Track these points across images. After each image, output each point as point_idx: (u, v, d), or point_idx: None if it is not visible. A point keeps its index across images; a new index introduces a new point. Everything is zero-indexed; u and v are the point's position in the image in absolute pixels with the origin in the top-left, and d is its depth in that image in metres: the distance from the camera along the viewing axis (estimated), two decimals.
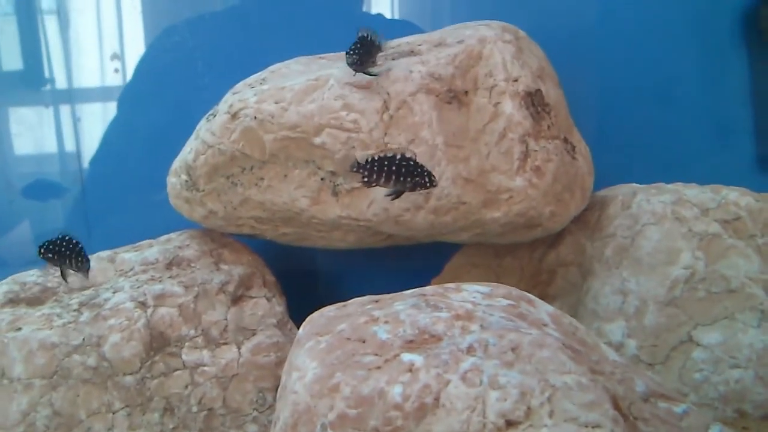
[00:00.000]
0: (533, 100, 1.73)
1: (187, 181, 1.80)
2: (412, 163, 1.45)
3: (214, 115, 1.78)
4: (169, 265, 1.83)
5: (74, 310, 1.70)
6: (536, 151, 1.68)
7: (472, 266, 2.01)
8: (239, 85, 1.85)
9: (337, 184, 1.68)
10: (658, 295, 1.65)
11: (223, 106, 1.75)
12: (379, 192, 1.63)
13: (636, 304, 1.67)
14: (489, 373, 1.02)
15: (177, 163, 1.85)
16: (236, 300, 1.80)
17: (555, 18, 2.22)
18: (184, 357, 1.67)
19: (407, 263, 2.25)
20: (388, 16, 2.30)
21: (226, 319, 1.74)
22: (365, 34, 1.60)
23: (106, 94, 2.37)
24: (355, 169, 1.45)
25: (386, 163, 1.44)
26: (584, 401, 0.99)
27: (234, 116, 1.70)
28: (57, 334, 1.64)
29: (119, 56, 2.27)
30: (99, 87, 2.36)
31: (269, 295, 1.85)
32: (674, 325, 1.61)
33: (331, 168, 1.67)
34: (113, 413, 1.61)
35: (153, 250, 1.87)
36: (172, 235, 1.97)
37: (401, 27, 2.27)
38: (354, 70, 1.58)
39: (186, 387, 1.65)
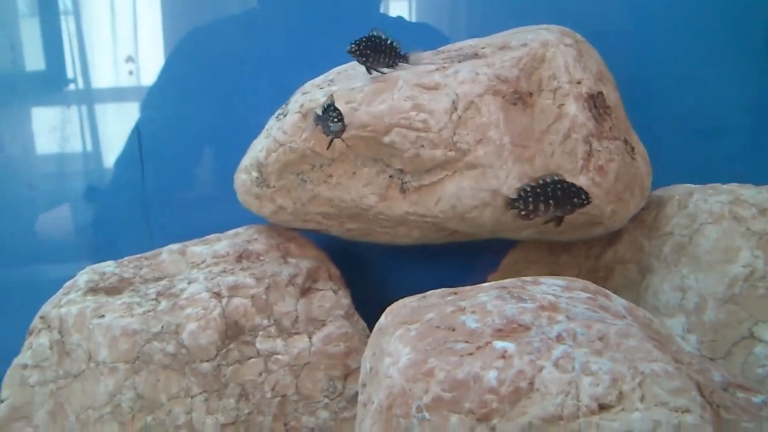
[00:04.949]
0: (595, 102, 1.78)
1: (257, 177, 1.88)
2: (565, 185, 1.49)
3: (285, 115, 1.85)
4: (239, 258, 1.91)
5: (152, 299, 1.79)
6: (599, 151, 1.74)
7: (528, 263, 2.07)
8: (307, 86, 1.92)
9: (405, 182, 1.75)
10: (717, 292, 1.70)
11: (293, 106, 1.82)
12: (448, 189, 1.70)
13: (695, 300, 1.72)
14: (580, 360, 1.08)
15: (247, 161, 1.92)
16: (304, 292, 1.88)
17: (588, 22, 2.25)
18: (258, 345, 1.75)
19: (457, 260, 2.32)
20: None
21: (296, 310, 1.82)
22: (376, 34, 1.69)
23: (122, 94, 2.42)
24: (511, 207, 1.51)
25: (539, 191, 1.49)
26: (672, 387, 1.05)
27: (305, 116, 1.77)
28: (138, 322, 1.72)
29: (134, 59, 2.35)
30: (115, 88, 2.42)
31: (335, 287, 1.92)
32: (734, 322, 1.65)
33: (399, 166, 1.74)
34: (191, 398, 1.69)
35: (222, 243, 1.95)
36: (240, 229, 2.04)
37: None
38: (356, 60, 1.70)
39: (260, 374, 1.73)
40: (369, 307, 2.00)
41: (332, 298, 1.88)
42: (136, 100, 2.42)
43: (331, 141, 1.67)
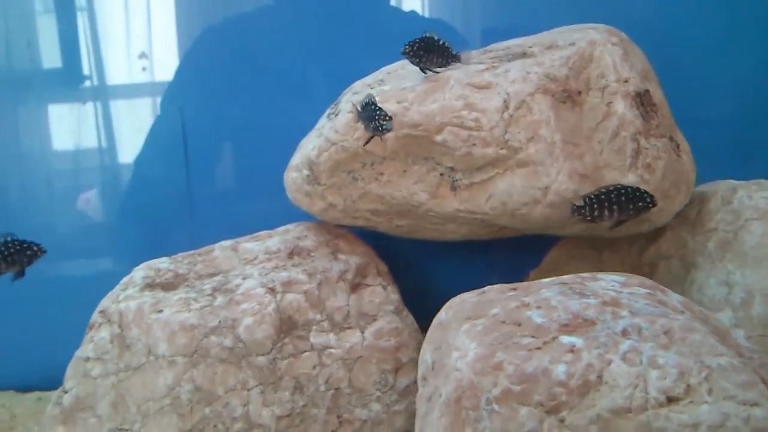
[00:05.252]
0: (642, 100, 1.81)
1: (308, 175, 1.92)
2: (629, 189, 1.57)
3: (336, 114, 1.89)
4: (290, 255, 1.95)
5: (208, 295, 1.84)
6: (647, 149, 1.76)
7: (570, 259, 2.10)
8: (357, 85, 1.96)
9: (456, 179, 1.78)
10: (764, 288, 1.72)
11: (345, 106, 1.86)
12: (498, 186, 1.73)
13: (742, 295, 1.74)
14: (647, 354, 1.12)
15: (298, 159, 1.97)
16: (354, 287, 1.92)
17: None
18: (312, 340, 1.79)
19: (497, 256, 2.35)
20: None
21: (347, 305, 1.86)
22: (429, 35, 1.73)
23: (136, 90, 2.46)
24: (576, 213, 1.59)
25: (603, 197, 1.56)
26: (739, 381, 1.08)
27: None
28: (195, 317, 1.77)
29: (147, 55, 2.39)
30: (129, 84, 2.46)
31: (384, 283, 1.96)
32: None
33: (450, 164, 1.77)
34: (248, 390, 1.74)
35: (274, 240, 2.00)
36: (289, 226, 2.09)
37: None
38: (410, 60, 1.74)
39: (314, 368, 1.77)
40: (411, 303, 2.05)
41: (382, 294, 1.92)
42: (151, 96, 2.46)
43: (371, 138, 1.71)
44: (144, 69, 2.40)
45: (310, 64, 2.39)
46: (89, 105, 2.43)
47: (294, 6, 2.39)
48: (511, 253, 2.29)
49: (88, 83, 2.43)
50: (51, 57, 2.42)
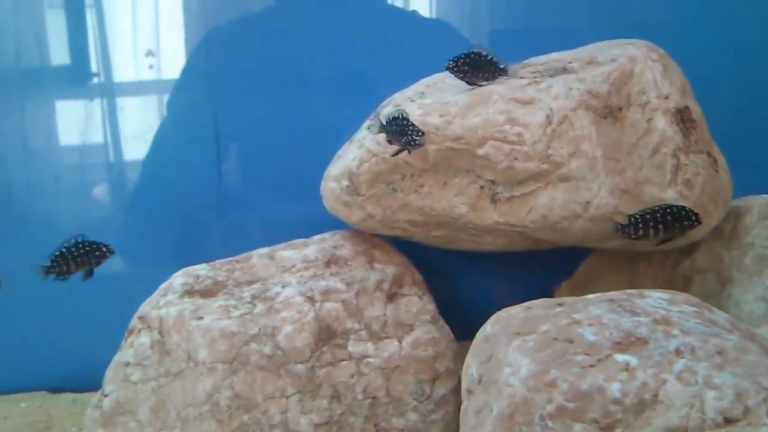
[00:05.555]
0: (682, 116, 1.82)
1: (348, 186, 1.94)
2: (675, 208, 1.60)
3: (377, 126, 1.90)
4: (327, 263, 1.97)
5: (248, 303, 1.86)
6: (687, 165, 1.77)
7: (605, 271, 2.11)
8: (398, 98, 1.97)
9: (496, 192, 1.80)
10: None
11: (387, 118, 1.88)
12: (539, 200, 1.75)
13: None
14: (702, 374, 1.13)
15: (337, 170, 1.99)
16: (391, 297, 1.94)
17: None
18: (350, 349, 1.81)
19: (527, 267, 2.36)
20: None
21: (385, 315, 1.88)
22: (476, 50, 1.76)
23: (144, 88, 2.46)
24: (621, 232, 1.63)
25: (648, 216, 1.59)
26: None
27: None
28: (235, 324, 1.79)
29: (154, 53, 2.40)
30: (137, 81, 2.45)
31: (419, 293, 1.98)
32: None
33: (491, 177, 1.79)
34: (286, 398, 1.76)
35: (311, 248, 2.02)
36: (325, 235, 2.11)
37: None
38: (455, 76, 1.78)
39: (352, 376, 1.79)
40: (444, 312, 2.06)
41: (418, 303, 1.94)
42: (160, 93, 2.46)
43: (400, 151, 1.73)
44: (151, 67, 2.39)
45: (342, 68, 2.40)
46: (96, 102, 2.43)
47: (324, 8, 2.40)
48: (543, 264, 2.30)
49: (95, 80, 2.43)
50: (60, 53, 2.40)
